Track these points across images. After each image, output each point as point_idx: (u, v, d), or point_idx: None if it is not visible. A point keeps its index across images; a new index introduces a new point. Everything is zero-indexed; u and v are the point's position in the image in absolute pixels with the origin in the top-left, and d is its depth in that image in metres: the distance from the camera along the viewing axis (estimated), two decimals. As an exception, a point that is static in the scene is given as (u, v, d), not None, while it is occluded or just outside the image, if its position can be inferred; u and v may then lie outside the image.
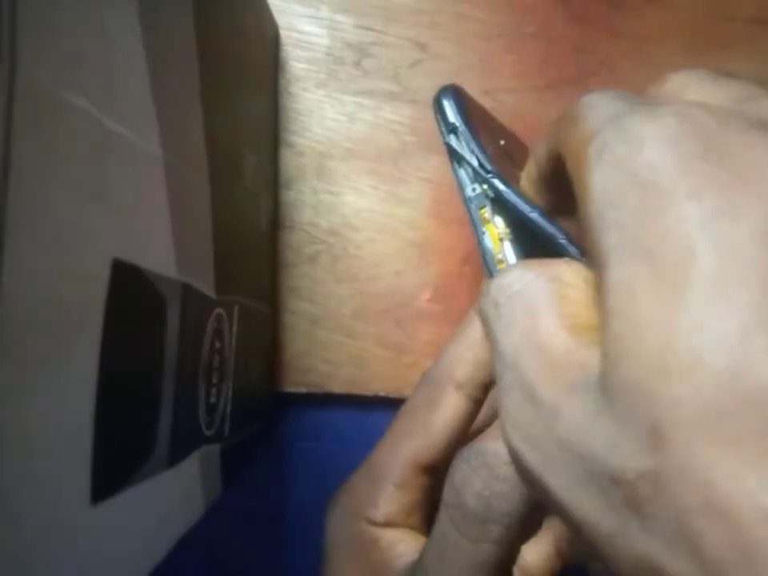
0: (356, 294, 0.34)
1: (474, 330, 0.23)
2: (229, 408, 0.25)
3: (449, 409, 0.22)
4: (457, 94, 0.24)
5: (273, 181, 0.33)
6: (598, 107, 0.14)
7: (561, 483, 0.12)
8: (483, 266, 0.22)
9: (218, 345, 0.23)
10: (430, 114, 0.34)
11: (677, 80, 0.16)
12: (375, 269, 0.34)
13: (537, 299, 0.15)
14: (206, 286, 0.22)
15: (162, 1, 0.18)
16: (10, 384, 0.12)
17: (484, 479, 0.18)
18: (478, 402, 0.23)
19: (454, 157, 0.23)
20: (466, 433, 0.22)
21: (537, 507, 0.18)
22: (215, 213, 0.23)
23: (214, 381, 0.23)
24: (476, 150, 0.22)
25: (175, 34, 0.19)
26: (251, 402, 0.28)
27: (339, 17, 0.34)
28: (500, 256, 0.22)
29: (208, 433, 0.23)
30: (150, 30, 0.17)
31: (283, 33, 0.34)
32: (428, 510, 0.22)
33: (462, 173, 0.22)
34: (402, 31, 0.35)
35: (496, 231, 0.22)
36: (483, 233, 0.22)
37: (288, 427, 0.34)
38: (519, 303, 0.15)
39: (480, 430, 0.23)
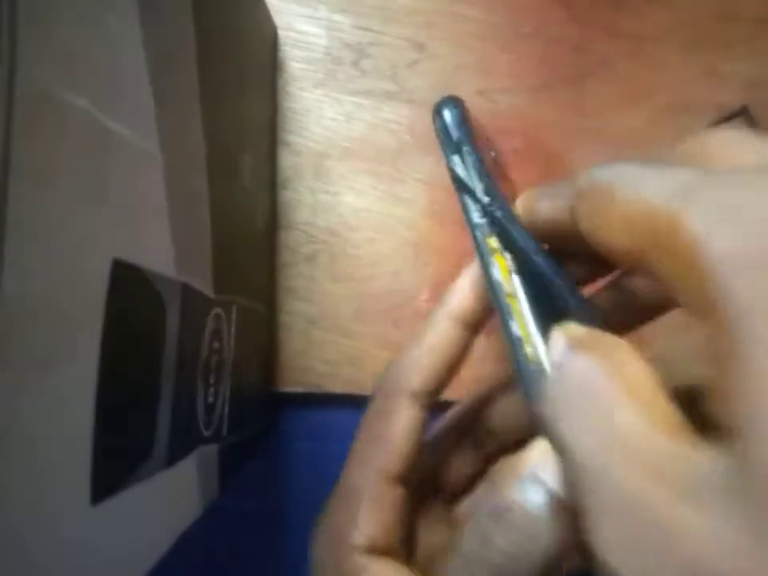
0: (353, 294, 0.34)
1: (430, 337, 0.22)
2: (227, 408, 0.25)
3: (404, 420, 0.22)
4: (458, 106, 0.22)
5: (271, 180, 0.33)
6: (644, 182, 0.14)
7: None
8: (490, 299, 0.21)
9: (216, 345, 0.23)
10: (427, 113, 0.34)
11: (714, 141, 0.15)
12: (373, 269, 0.34)
13: (606, 390, 0.14)
14: (204, 285, 0.22)
15: (162, 1, 0.18)
16: (11, 384, 0.12)
17: (512, 536, 0.17)
18: (429, 408, 0.23)
19: (458, 183, 0.21)
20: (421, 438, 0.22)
21: (558, 566, 0.17)
22: (214, 213, 0.23)
23: (212, 381, 0.23)
24: (482, 174, 0.21)
25: (174, 34, 0.19)
26: (249, 402, 0.28)
27: (337, 17, 0.34)
28: (509, 289, 0.21)
29: (206, 433, 0.23)
30: (149, 31, 0.17)
31: (281, 33, 0.34)
32: (405, 532, 0.21)
33: (467, 198, 0.21)
34: (399, 31, 0.35)
35: (505, 263, 0.21)
36: (491, 263, 0.21)
37: (285, 427, 0.34)
38: (587, 400, 0.14)
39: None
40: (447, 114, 0.22)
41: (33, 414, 0.13)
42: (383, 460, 0.21)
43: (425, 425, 0.23)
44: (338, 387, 0.33)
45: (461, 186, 0.21)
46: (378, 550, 0.21)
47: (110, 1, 0.15)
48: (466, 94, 0.34)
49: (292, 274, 0.34)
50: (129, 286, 0.16)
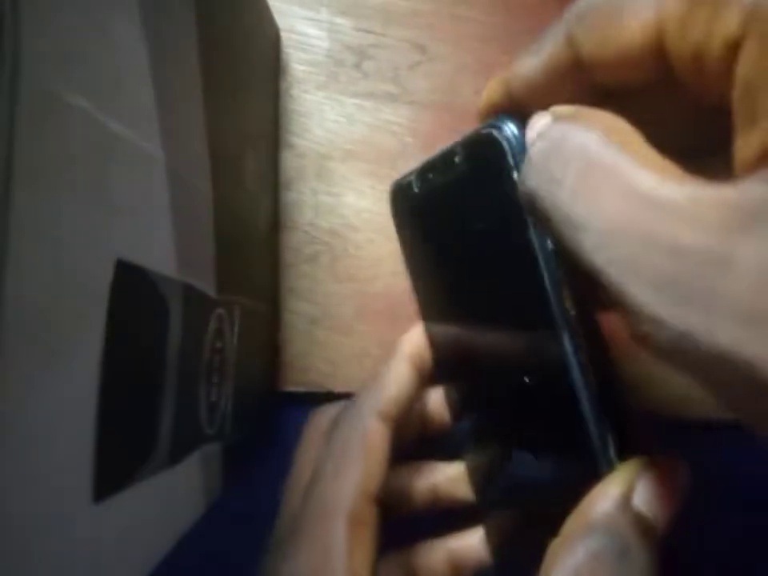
0: (355, 294, 0.34)
1: (396, 368, 0.24)
2: (230, 407, 0.25)
3: (374, 435, 0.22)
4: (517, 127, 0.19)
5: (273, 182, 0.33)
6: None
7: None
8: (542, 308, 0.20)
9: (218, 345, 0.23)
10: (429, 115, 0.34)
11: None
12: (375, 269, 0.34)
13: (606, 153, 0.13)
14: (207, 286, 0.22)
15: (164, 2, 0.18)
16: (13, 383, 0.12)
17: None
18: (394, 434, 0.23)
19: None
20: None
21: None
22: (216, 213, 0.23)
23: (215, 380, 0.23)
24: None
25: (177, 35, 0.19)
26: (252, 401, 0.28)
27: (339, 19, 0.35)
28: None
29: (209, 432, 0.23)
30: (151, 32, 0.17)
31: (284, 35, 0.34)
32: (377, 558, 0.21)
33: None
34: (401, 33, 0.35)
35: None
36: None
37: (288, 427, 0.34)
38: (588, 165, 0.14)
39: None
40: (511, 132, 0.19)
41: (35, 413, 0.13)
42: (362, 477, 0.22)
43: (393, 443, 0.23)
44: (339, 387, 0.33)
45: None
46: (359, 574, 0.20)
47: (113, 2, 0.15)
48: (467, 95, 0.35)
49: (294, 274, 0.34)
50: (131, 286, 0.16)
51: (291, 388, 0.34)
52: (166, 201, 0.18)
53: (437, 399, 0.26)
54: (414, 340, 0.25)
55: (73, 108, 0.13)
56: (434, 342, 0.25)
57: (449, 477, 0.26)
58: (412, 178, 0.24)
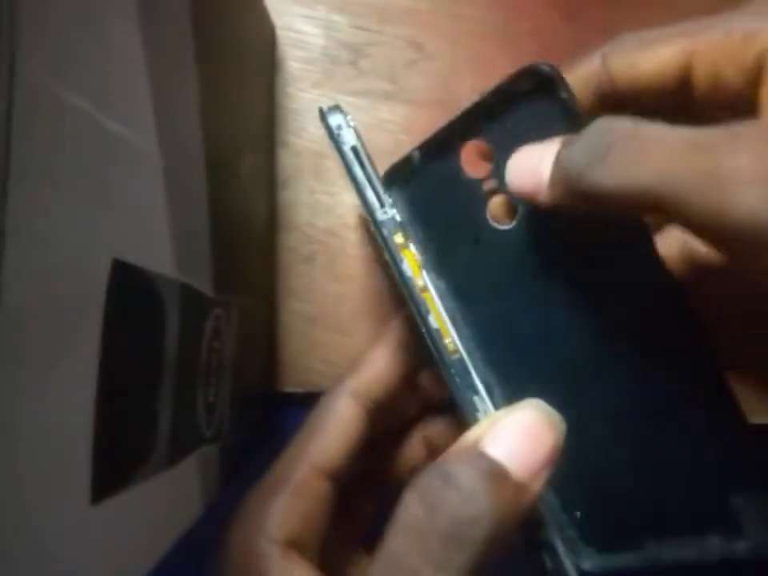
0: (353, 294, 0.34)
1: (375, 352, 0.24)
2: (227, 408, 0.25)
3: (343, 413, 0.22)
4: (342, 112, 0.23)
5: (270, 181, 0.33)
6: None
7: None
8: (403, 295, 0.21)
9: (216, 345, 0.23)
10: (425, 113, 0.34)
11: None
12: (372, 269, 0.34)
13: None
14: (204, 286, 0.22)
15: (160, 1, 0.18)
16: (10, 384, 0.12)
17: (460, 502, 0.17)
18: (372, 414, 0.23)
19: (355, 183, 0.22)
20: (364, 443, 0.23)
21: (505, 537, 0.17)
22: (213, 213, 0.23)
23: (213, 381, 0.23)
24: (375, 173, 0.22)
25: (172, 33, 0.19)
26: (250, 402, 0.28)
27: (335, 16, 0.34)
28: (421, 284, 0.21)
29: (207, 433, 0.23)
30: (147, 31, 0.17)
31: (280, 32, 0.34)
32: (323, 534, 0.21)
33: (370, 197, 0.22)
34: (397, 31, 0.35)
35: (414, 258, 0.21)
36: (401, 260, 0.21)
37: (286, 427, 0.34)
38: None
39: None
40: (337, 119, 0.23)
41: (33, 414, 0.13)
42: (313, 451, 0.22)
43: (368, 427, 0.23)
44: (338, 387, 0.33)
45: (358, 181, 0.22)
46: (290, 543, 0.20)
47: (109, 1, 0.15)
48: (464, 93, 0.35)
49: (292, 274, 0.34)
50: (128, 286, 0.16)
51: (289, 388, 0.34)
52: (163, 200, 0.18)
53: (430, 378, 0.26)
54: (396, 328, 0.25)
55: (70, 107, 0.13)
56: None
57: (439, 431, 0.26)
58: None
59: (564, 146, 0.18)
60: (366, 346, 0.27)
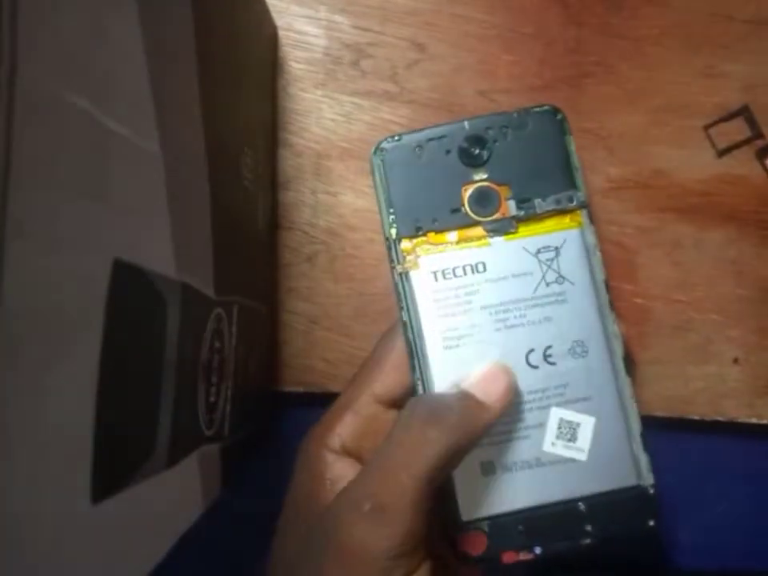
0: (354, 294, 0.34)
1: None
2: (228, 408, 0.25)
3: (401, 348, 0.25)
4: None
5: (271, 181, 0.33)
6: None
7: None
8: None
9: (217, 345, 0.23)
10: (426, 114, 0.34)
11: None
12: (373, 269, 0.34)
13: None
14: (205, 285, 0.22)
15: (161, 1, 0.18)
16: (11, 384, 0.12)
17: (438, 405, 0.23)
18: None
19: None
20: None
21: (467, 444, 0.22)
22: (214, 213, 0.23)
23: (214, 380, 0.23)
24: None
25: (174, 34, 0.19)
26: (250, 401, 0.28)
27: (337, 17, 0.34)
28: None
29: (208, 432, 0.23)
30: (149, 31, 0.17)
31: (282, 33, 0.34)
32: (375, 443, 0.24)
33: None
34: (399, 32, 0.35)
35: None
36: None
37: (287, 427, 0.34)
38: None
39: None
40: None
41: (33, 414, 0.13)
42: (372, 380, 0.25)
43: None
44: (339, 387, 0.33)
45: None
46: (347, 452, 0.25)
47: (110, 1, 0.15)
48: (465, 94, 0.35)
49: (293, 274, 0.34)
50: (129, 285, 0.16)
51: (290, 388, 0.34)
52: (164, 200, 0.18)
53: None
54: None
55: (71, 107, 0.13)
56: None
57: None
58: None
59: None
60: (365, 346, 0.27)
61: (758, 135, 0.34)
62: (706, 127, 0.34)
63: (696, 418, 0.34)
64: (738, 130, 0.34)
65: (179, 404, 0.20)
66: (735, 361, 0.34)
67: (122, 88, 0.16)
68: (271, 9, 0.33)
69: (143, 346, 0.17)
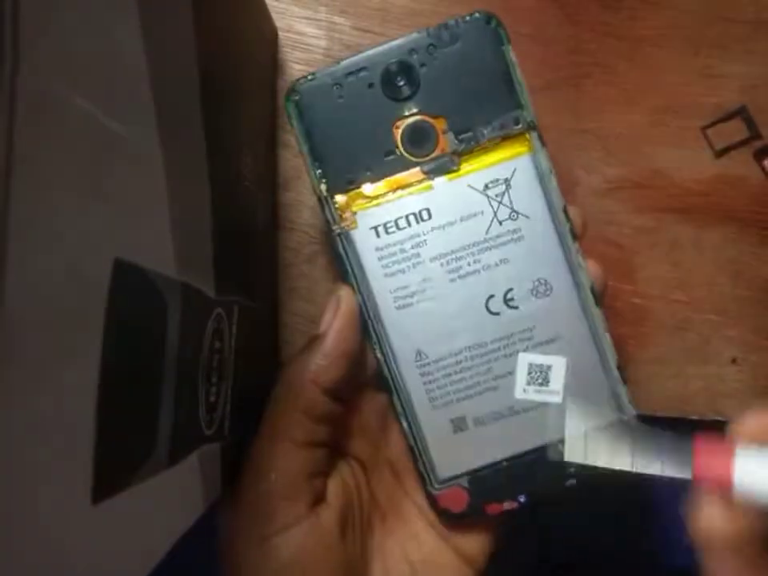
0: (354, 294, 0.34)
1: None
2: (229, 407, 0.25)
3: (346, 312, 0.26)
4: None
5: (271, 181, 0.33)
6: None
7: None
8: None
9: (217, 345, 0.23)
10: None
11: None
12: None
13: None
14: (205, 285, 0.22)
15: (162, 2, 0.18)
16: (11, 384, 0.12)
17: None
18: None
19: None
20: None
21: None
22: (214, 213, 0.23)
23: (214, 380, 0.23)
24: None
25: (174, 34, 0.19)
26: (251, 401, 0.28)
27: (337, 18, 0.35)
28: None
29: (208, 432, 0.23)
30: (149, 31, 0.17)
31: (282, 34, 0.34)
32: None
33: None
34: (399, 33, 0.35)
35: None
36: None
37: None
38: None
39: None
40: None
41: (33, 414, 0.13)
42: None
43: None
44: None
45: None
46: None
47: (110, 2, 0.15)
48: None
49: (294, 274, 0.34)
50: (130, 285, 0.16)
51: (290, 388, 0.34)
52: (165, 200, 0.18)
53: None
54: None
55: (72, 108, 0.13)
56: None
57: None
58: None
59: None
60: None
61: (756, 136, 0.34)
62: (704, 128, 0.34)
63: (695, 417, 0.34)
64: (736, 130, 0.34)
65: (180, 404, 0.20)
66: (734, 361, 0.34)
67: (123, 88, 0.16)
68: (271, 10, 0.33)
69: (144, 346, 0.17)
